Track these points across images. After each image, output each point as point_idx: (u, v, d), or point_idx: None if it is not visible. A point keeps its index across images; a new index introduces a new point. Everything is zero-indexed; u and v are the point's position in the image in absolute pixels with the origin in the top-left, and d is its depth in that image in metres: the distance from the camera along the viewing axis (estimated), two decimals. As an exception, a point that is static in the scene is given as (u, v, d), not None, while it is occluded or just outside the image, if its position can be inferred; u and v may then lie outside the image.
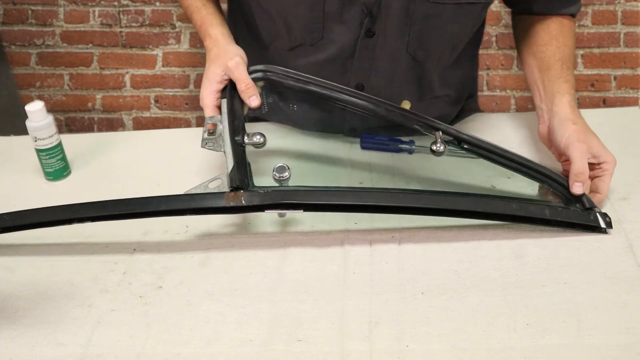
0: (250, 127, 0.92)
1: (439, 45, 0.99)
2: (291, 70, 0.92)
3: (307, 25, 0.97)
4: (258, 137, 0.87)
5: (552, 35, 1.00)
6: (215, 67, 0.92)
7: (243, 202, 0.82)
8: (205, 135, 0.89)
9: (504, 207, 0.84)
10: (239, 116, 0.90)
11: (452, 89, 1.10)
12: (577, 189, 0.86)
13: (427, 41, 0.97)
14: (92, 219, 0.85)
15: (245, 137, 0.87)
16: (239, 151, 0.86)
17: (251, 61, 0.94)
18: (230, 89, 0.91)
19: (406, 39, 0.96)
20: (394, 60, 1.00)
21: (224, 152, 0.86)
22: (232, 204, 0.82)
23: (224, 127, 0.88)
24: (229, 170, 0.84)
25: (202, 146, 0.88)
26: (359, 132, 1.07)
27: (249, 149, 0.88)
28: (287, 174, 0.86)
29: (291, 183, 0.86)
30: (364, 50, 0.98)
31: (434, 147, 0.87)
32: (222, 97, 0.91)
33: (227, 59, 0.91)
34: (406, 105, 0.93)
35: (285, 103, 1.10)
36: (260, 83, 0.93)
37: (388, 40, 0.97)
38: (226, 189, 0.83)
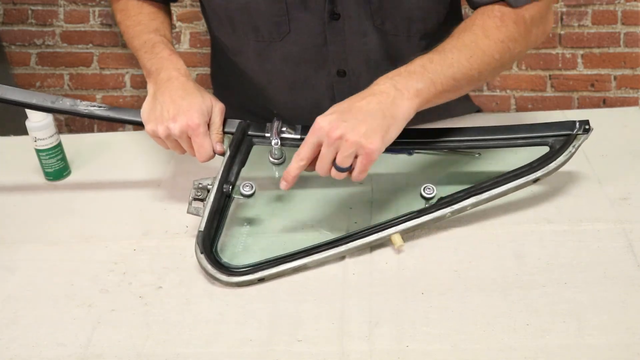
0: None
1: (406, 17, 0.98)
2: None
3: (273, 18, 0.97)
4: (247, 188, 0.86)
5: (460, 28, 0.89)
6: (207, 99, 0.90)
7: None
8: (193, 198, 0.86)
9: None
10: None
11: None
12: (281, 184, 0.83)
13: (391, 13, 0.97)
14: None
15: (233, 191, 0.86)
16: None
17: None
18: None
19: (369, 13, 0.96)
20: (365, 39, 0.99)
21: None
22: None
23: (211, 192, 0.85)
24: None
25: (187, 211, 0.86)
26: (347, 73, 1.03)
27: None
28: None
29: (291, 189, 0.85)
30: (334, 35, 0.98)
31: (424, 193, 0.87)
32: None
33: (214, 99, 0.91)
34: None
35: None
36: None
37: (353, 18, 0.97)
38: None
